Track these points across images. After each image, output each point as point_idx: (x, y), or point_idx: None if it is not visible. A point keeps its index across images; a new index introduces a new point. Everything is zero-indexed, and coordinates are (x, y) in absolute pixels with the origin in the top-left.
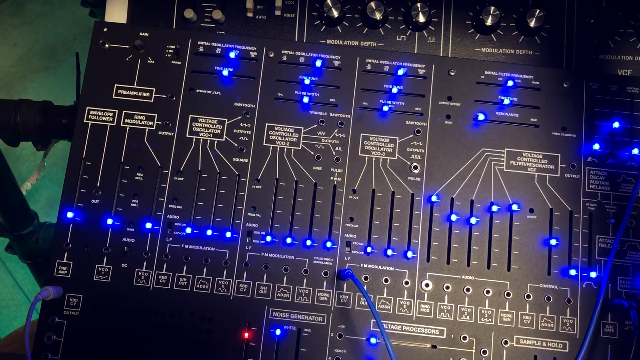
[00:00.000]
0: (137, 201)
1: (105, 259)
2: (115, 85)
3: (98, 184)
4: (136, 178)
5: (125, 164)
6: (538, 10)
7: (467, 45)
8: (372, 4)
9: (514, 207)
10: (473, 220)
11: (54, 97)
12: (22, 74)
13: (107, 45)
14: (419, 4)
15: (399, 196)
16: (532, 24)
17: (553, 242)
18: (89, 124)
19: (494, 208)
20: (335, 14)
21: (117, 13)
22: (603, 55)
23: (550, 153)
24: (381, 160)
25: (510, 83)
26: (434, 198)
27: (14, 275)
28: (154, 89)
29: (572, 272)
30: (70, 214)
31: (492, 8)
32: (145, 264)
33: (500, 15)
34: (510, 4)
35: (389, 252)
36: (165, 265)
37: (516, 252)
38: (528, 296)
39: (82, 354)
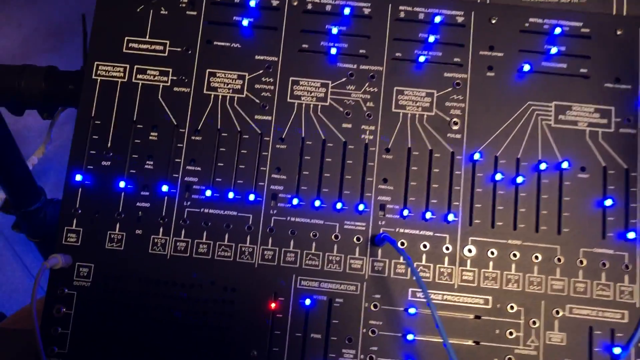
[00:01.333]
0: (151, 163)
1: (118, 226)
2: (126, 38)
3: (109, 145)
4: (150, 138)
5: (138, 122)
6: None
7: None
8: None
9: (564, 165)
10: (519, 179)
11: None
12: (28, 55)
13: None
14: None
15: (437, 155)
16: None
17: (608, 202)
18: (98, 80)
19: (542, 166)
20: None
21: None
22: None
23: (602, 106)
24: (417, 116)
25: (557, 31)
26: (476, 156)
27: (23, 259)
28: (168, 42)
29: (630, 235)
30: (79, 177)
31: None
32: (161, 230)
33: None
34: None
35: (428, 215)
36: (183, 231)
37: (567, 214)
38: (581, 262)
39: (94, 328)
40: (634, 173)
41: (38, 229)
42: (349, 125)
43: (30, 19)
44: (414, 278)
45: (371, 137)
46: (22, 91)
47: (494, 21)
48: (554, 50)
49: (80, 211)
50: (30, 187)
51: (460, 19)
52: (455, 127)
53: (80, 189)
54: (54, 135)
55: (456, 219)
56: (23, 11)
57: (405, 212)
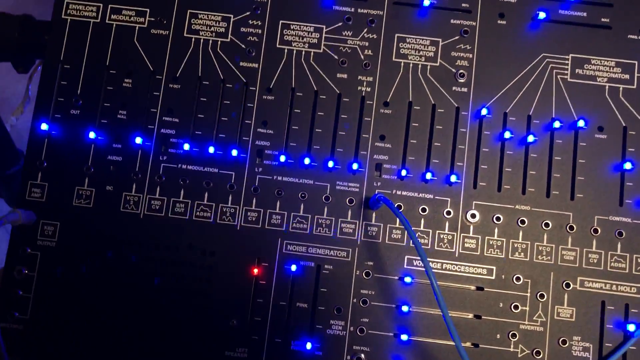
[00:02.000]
0: (125, 112)
1: (87, 181)
2: None
3: (79, 92)
4: (124, 85)
5: (111, 68)
6: None
7: None
8: None
9: (580, 123)
10: (530, 138)
11: None
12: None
13: None
14: None
15: (441, 110)
16: None
17: (627, 165)
18: (68, 20)
19: (556, 124)
20: None
21: None
22: None
23: (624, 60)
24: (420, 66)
25: None
26: (483, 112)
27: None
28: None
29: None
30: (44, 126)
31: None
32: (134, 186)
33: None
34: None
35: (428, 176)
36: (158, 189)
37: (581, 177)
38: (595, 230)
39: (59, 291)
40: None
41: (17, 194)
42: (344, 76)
43: None
44: (412, 244)
45: (369, 89)
46: None
47: None
48: None
49: (45, 164)
50: (8, 149)
51: None
52: (461, 80)
53: (46, 140)
54: (32, 92)
55: (459, 180)
56: None
57: (404, 173)
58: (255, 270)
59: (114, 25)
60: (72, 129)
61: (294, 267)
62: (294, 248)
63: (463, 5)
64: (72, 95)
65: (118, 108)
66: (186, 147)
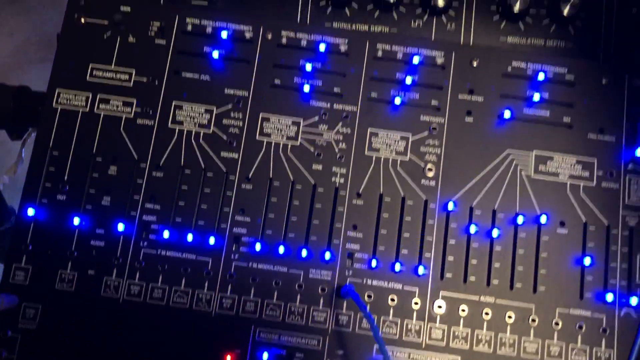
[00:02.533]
0: (109, 199)
1: (69, 265)
2: (91, 65)
3: (66, 178)
4: (109, 172)
5: (97, 155)
6: None
7: (491, 33)
8: None
9: (543, 219)
10: (495, 232)
11: None
12: (18, 64)
13: (82, 20)
14: None
15: (410, 202)
16: (565, 12)
17: (587, 261)
18: (59, 109)
19: (520, 220)
20: None
21: None
22: None
23: (585, 158)
24: (391, 160)
25: (541, 76)
26: (450, 206)
27: None
28: (134, 71)
29: (609, 297)
30: (31, 211)
31: None
32: (115, 271)
33: (529, 1)
34: None
35: (397, 266)
36: (138, 274)
37: (543, 271)
38: (556, 323)
39: None
40: (615, 230)
41: (7, 252)
42: (320, 167)
43: (22, 29)
44: (373, 334)
45: (342, 180)
46: None
47: (475, 64)
48: (536, 96)
49: (30, 247)
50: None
51: (440, 60)
52: (429, 174)
53: (32, 224)
54: (26, 154)
55: (427, 271)
56: (16, 20)
57: (374, 263)
58: (229, 357)
59: (102, 115)
60: (57, 214)
61: (265, 355)
62: (267, 335)
63: (433, 102)
64: (59, 181)
65: (103, 194)
66: (166, 234)
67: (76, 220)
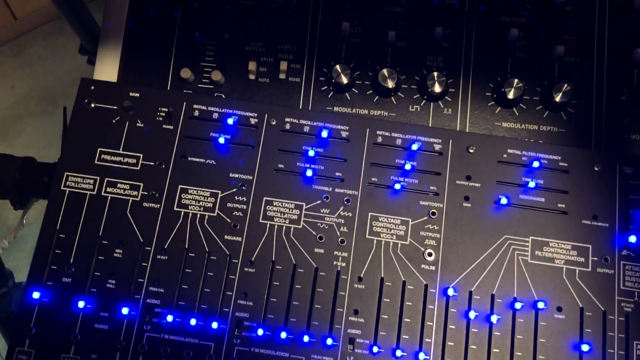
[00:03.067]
0: (113, 282)
1: (72, 348)
2: (99, 149)
3: (71, 260)
4: (115, 255)
5: (103, 238)
6: (565, 85)
7: (487, 118)
8: (385, 71)
9: (540, 304)
10: (494, 318)
11: (49, 142)
12: (18, 117)
13: (92, 105)
14: (435, 73)
15: (410, 287)
16: (558, 99)
17: (585, 347)
18: (67, 192)
19: (517, 305)
20: (345, 80)
21: (107, 70)
22: (635, 135)
23: (580, 244)
24: (391, 244)
25: (535, 164)
26: (450, 291)
27: None
28: (142, 155)
29: None
30: (36, 295)
31: (516, 80)
32: (118, 355)
33: (523, 88)
34: (535, 76)
35: (398, 352)
36: (140, 358)
37: (542, 357)
38: None
39: None
40: (611, 316)
41: (4, 314)
42: (322, 251)
43: (23, 82)
44: None
45: (344, 264)
46: None
47: (471, 150)
48: (531, 184)
49: (34, 330)
50: None
51: (437, 147)
52: (429, 258)
53: (36, 307)
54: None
55: (427, 357)
56: (17, 73)
57: (375, 349)
58: None
59: (109, 198)
60: (62, 296)
61: None
62: None
63: (431, 188)
64: (65, 263)
65: (107, 277)
66: (169, 318)
67: (81, 304)
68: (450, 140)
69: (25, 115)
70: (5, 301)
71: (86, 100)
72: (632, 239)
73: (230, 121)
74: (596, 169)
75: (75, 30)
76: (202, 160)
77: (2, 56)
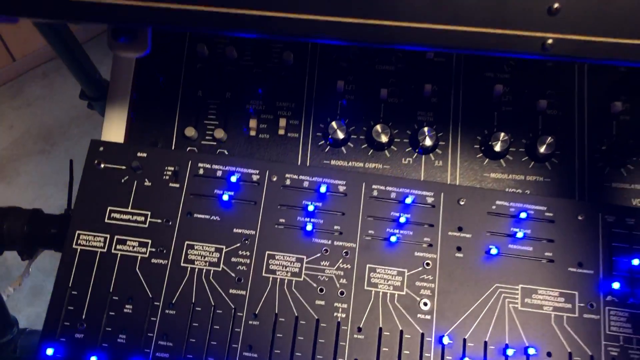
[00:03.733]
0: (124, 336)
1: None
2: (109, 208)
3: (84, 317)
4: (125, 310)
5: (114, 294)
6: (549, 137)
7: (476, 169)
8: (378, 127)
9: (531, 351)
10: None
11: (46, 181)
12: (16, 156)
13: (102, 166)
14: (425, 128)
15: (407, 336)
16: (542, 151)
17: None
18: (78, 250)
19: (510, 352)
20: (341, 135)
21: (115, 129)
22: (616, 184)
23: (566, 291)
24: (389, 294)
25: (523, 215)
26: (445, 340)
27: None
28: (149, 213)
29: None
30: (50, 351)
31: (502, 134)
32: None
33: (509, 141)
34: (520, 129)
35: None
36: None
37: None
38: None
39: None
40: None
41: None
42: (322, 302)
43: (22, 121)
44: None
45: (343, 315)
46: (3, 234)
47: (462, 202)
48: (519, 234)
49: None
50: (2, 318)
51: (430, 200)
52: (425, 308)
53: None
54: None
55: None
56: (16, 113)
57: None
58: None
59: (119, 255)
60: (75, 352)
61: None
62: None
63: (425, 239)
64: (77, 320)
65: (118, 332)
66: None
67: (93, 359)
68: (442, 193)
69: (23, 154)
70: (9, 348)
71: (96, 161)
72: (616, 285)
73: (233, 179)
74: (580, 218)
75: (74, 76)
76: (207, 216)
77: (1, 97)
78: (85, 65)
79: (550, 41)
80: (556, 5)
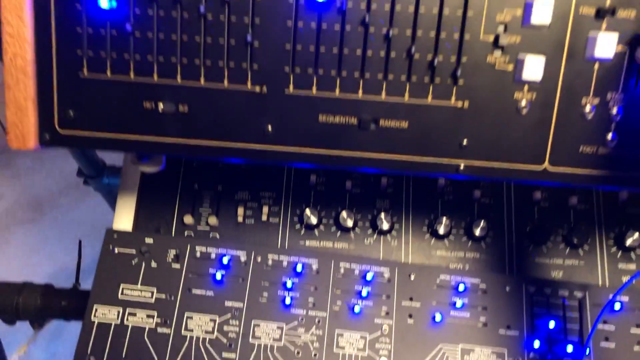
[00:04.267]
0: None
1: None
2: (121, 285)
3: None
4: None
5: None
6: (482, 221)
7: (424, 248)
8: (344, 213)
9: None
10: None
11: (35, 250)
12: (6, 226)
13: (116, 250)
14: (382, 214)
15: None
16: (477, 233)
17: None
18: (95, 322)
19: None
20: (314, 221)
21: (124, 219)
22: (538, 259)
23: (498, 349)
24: (354, 355)
25: (461, 287)
26: None
27: None
28: (155, 289)
29: None
30: None
31: (444, 218)
32: None
33: (450, 225)
34: (459, 215)
35: None
36: None
37: None
38: None
39: None
40: None
41: None
42: None
43: (12, 191)
44: None
45: None
46: (19, 307)
47: (412, 277)
48: (459, 303)
49: None
50: None
51: (387, 275)
52: None
53: None
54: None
55: None
56: (7, 184)
57: None
58: None
59: (130, 326)
60: None
61: None
62: None
63: (383, 308)
64: None
65: None
66: None
67: None
68: (396, 269)
69: (13, 223)
70: None
71: (111, 247)
72: (537, 344)
73: (224, 260)
74: (508, 289)
75: (73, 157)
76: (203, 292)
77: None
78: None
79: (462, 166)
80: (464, 141)
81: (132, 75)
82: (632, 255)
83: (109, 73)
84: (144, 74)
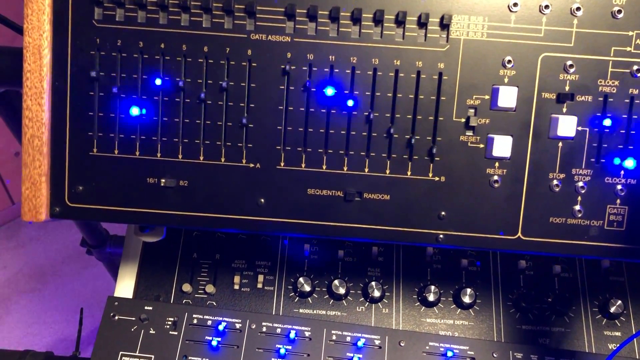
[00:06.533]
0: None
1: None
2: (121, 352)
3: None
4: None
5: None
6: (470, 289)
7: (414, 315)
8: (336, 281)
9: None
10: None
11: (35, 320)
12: (8, 295)
13: (116, 317)
14: (373, 282)
15: None
16: (465, 300)
17: None
18: None
19: None
20: (307, 289)
21: (126, 287)
22: (525, 326)
23: None
24: None
25: (450, 353)
26: None
27: None
28: (153, 356)
29: None
30: None
31: (433, 287)
32: None
33: (439, 293)
34: (448, 283)
35: None
36: None
37: None
38: None
39: None
40: None
41: None
42: None
43: (15, 261)
44: None
45: None
46: None
47: (402, 344)
48: None
49: None
50: None
51: (377, 342)
52: None
53: None
54: None
55: None
56: (10, 254)
57: None
58: None
59: None
60: None
61: None
62: None
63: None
64: None
65: None
66: None
67: None
68: (386, 337)
69: (15, 293)
70: None
71: (111, 314)
72: None
73: (220, 327)
74: (495, 355)
75: (78, 227)
76: (199, 359)
77: None
78: None
79: (441, 236)
80: (443, 213)
81: (137, 153)
82: (617, 322)
83: (116, 152)
84: (148, 152)
